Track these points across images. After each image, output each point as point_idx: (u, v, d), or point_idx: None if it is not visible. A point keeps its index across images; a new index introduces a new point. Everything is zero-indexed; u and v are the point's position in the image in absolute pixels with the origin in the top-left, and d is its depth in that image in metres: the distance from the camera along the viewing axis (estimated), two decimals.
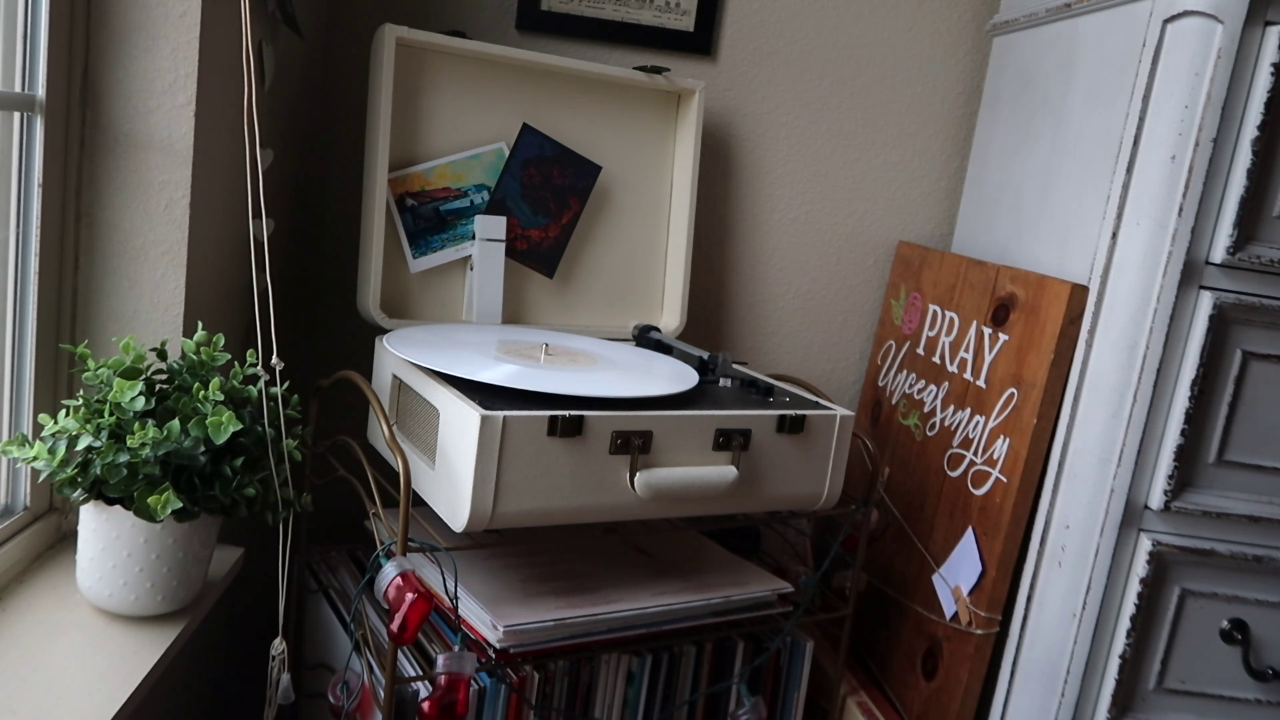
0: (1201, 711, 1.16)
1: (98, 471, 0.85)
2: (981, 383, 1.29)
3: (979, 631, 1.21)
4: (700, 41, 1.50)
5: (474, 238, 1.32)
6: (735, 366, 1.30)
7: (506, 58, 1.32)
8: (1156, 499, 1.10)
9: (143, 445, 0.84)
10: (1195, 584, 1.13)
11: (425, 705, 0.96)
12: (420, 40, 1.26)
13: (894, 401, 1.51)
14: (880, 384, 1.56)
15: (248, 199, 0.97)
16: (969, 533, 1.26)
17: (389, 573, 0.95)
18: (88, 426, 0.86)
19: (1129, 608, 1.12)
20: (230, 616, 1.36)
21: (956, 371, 1.35)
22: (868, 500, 1.25)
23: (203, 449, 0.87)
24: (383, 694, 1.00)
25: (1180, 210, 1.05)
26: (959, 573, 1.26)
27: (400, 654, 1.07)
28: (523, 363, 1.10)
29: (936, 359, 1.41)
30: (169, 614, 0.94)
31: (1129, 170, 1.10)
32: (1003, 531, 1.20)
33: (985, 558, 1.22)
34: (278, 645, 1.00)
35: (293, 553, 1.02)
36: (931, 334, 1.44)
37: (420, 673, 1.04)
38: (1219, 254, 1.05)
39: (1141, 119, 1.10)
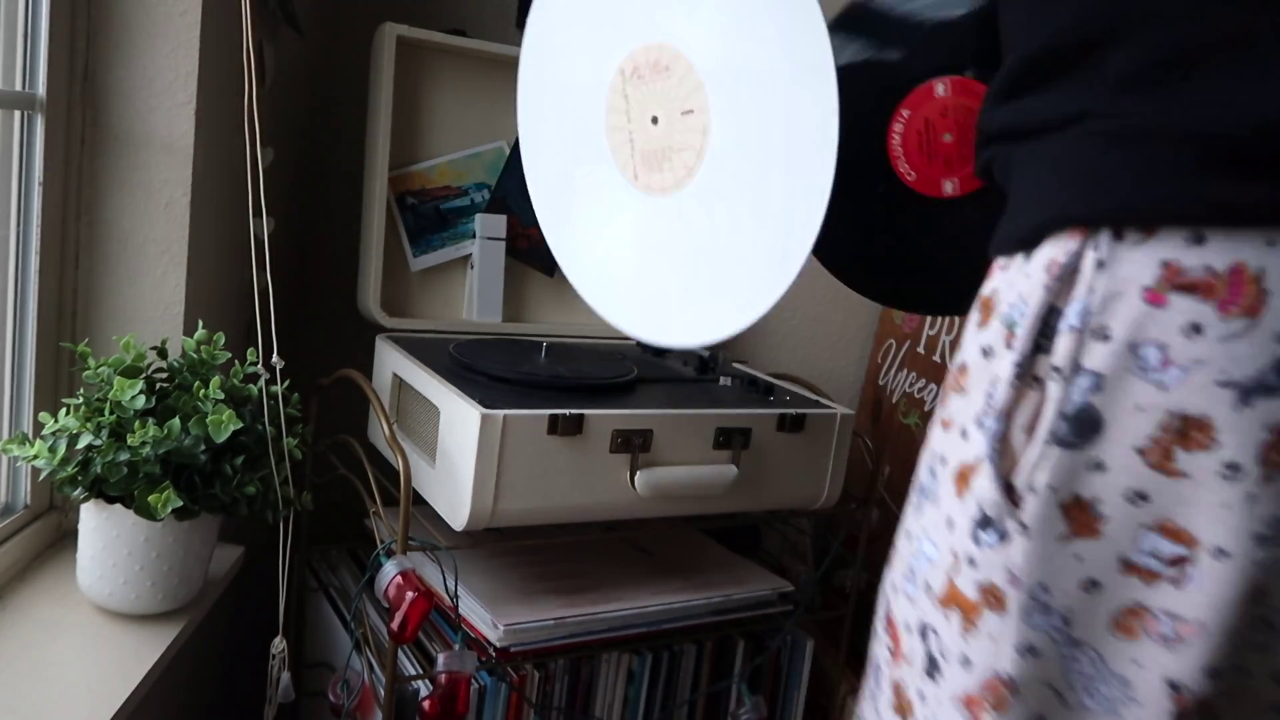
0: None
1: (98, 470, 0.85)
2: None
3: None
4: None
5: (475, 236, 1.32)
6: (735, 365, 1.30)
7: (507, 56, 1.32)
8: None
9: (143, 444, 0.84)
10: None
11: (426, 704, 0.96)
12: (421, 38, 1.26)
13: (894, 400, 1.51)
14: (880, 383, 1.56)
15: (248, 198, 0.97)
16: None
17: (389, 571, 0.95)
18: (88, 425, 0.86)
19: None
20: (230, 615, 1.36)
21: None
22: (868, 499, 1.25)
23: (203, 447, 0.87)
24: (383, 693, 1.00)
25: None
26: None
27: (400, 653, 1.07)
28: None
29: (937, 357, 1.41)
30: (169, 612, 0.94)
31: None
32: None
33: None
34: (278, 644, 1.00)
35: (293, 551, 1.02)
36: (932, 333, 1.44)
37: (420, 671, 1.04)
38: None
39: None
